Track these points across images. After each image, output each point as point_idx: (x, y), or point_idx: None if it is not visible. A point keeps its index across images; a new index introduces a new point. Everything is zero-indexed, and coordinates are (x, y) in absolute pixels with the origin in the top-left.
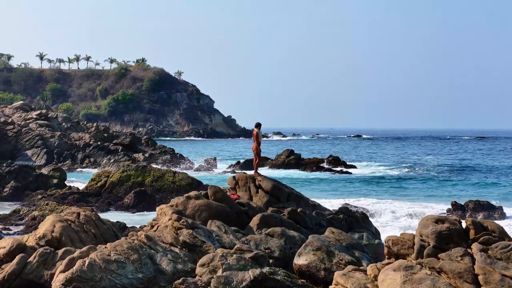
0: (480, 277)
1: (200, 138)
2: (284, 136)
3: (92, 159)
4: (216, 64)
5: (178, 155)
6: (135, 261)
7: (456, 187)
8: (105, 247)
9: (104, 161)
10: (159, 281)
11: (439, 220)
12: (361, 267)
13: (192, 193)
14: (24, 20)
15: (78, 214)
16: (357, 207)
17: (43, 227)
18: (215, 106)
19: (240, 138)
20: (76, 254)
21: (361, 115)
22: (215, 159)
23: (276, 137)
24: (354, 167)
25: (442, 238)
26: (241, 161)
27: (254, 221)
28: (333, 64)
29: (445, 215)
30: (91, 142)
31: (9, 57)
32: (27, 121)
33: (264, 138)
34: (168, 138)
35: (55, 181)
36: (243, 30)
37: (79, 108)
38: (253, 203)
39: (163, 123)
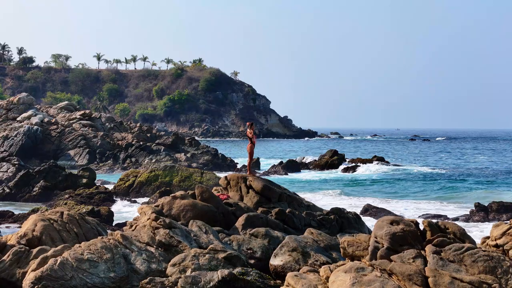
0: (430, 280)
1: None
2: (341, 136)
3: (133, 159)
4: (272, 64)
5: (220, 155)
6: (108, 260)
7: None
8: (79, 246)
9: (145, 161)
10: (132, 281)
11: (394, 221)
12: (318, 269)
13: (178, 193)
14: (82, 21)
15: (62, 213)
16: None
17: (25, 226)
18: (271, 106)
19: (297, 138)
20: (49, 253)
21: (430, 115)
22: (258, 159)
23: (333, 137)
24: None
25: (396, 239)
26: (284, 161)
27: (240, 221)
28: (394, 64)
29: (468, 215)
30: (133, 142)
31: (67, 58)
32: (71, 121)
33: (322, 138)
34: (220, 139)
35: (84, 180)
36: (299, 30)
37: (136, 108)
38: (242, 204)
39: (219, 124)
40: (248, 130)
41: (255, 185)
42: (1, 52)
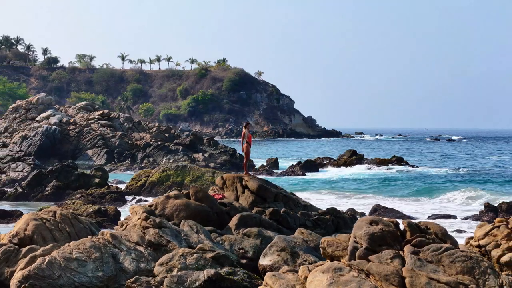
0: (406, 280)
1: (278, 139)
2: (365, 136)
3: (151, 159)
4: (296, 64)
5: (238, 155)
6: (96, 260)
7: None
8: (68, 245)
9: (163, 161)
10: (121, 280)
11: (373, 221)
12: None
13: (172, 192)
14: (107, 21)
15: (55, 212)
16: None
17: (18, 225)
18: (295, 106)
19: (321, 138)
20: (38, 252)
21: (460, 115)
22: (276, 159)
23: (357, 137)
24: (417, 167)
25: (375, 239)
26: (302, 161)
27: (233, 221)
28: (424, 62)
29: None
30: (151, 142)
31: (91, 58)
32: (89, 121)
33: (346, 138)
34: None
35: (96, 180)
36: (323, 30)
37: (160, 108)
38: (236, 203)
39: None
40: (243, 130)
41: (251, 185)
42: (26, 52)
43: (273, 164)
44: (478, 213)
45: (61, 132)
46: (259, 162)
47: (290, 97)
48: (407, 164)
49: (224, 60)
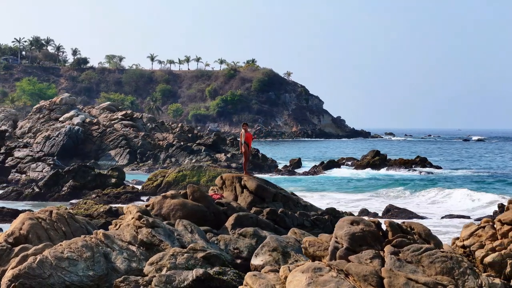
0: (385, 281)
1: (307, 139)
2: (394, 136)
3: (174, 159)
4: (326, 65)
5: (261, 155)
6: (87, 259)
7: None
8: (60, 245)
9: (186, 161)
10: (112, 279)
11: (354, 221)
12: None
13: (169, 192)
14: (136, 22)
15: (51, 212)
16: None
17: (14, 225)
18: (324, 107)
19: (350, 139)
20: (30, 251)
21: (494, 115)
22: (299, 160)
23: (386, 138)
24: (440, 168)
25: (355, 240)
26: (325, 161)
27: (229, 221)
28: (455, 60)
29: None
30: (174, 142)
31: (121, 59)
32: (112, 122)
33: (376, 138)
34: (272, 139)
35: (113, 180)
36: (353, 30)
37: (189, 109)
38: (234, 203)
39: (272, 124)
40: (242, 130)
41: (249, 185)
42: (56, 53)
43: (296, 164)
44: (492, 214)
45: (84, 133)
46: (284, 163)
47: (319, 98)
48: (430, 165)
49: (253, 61)
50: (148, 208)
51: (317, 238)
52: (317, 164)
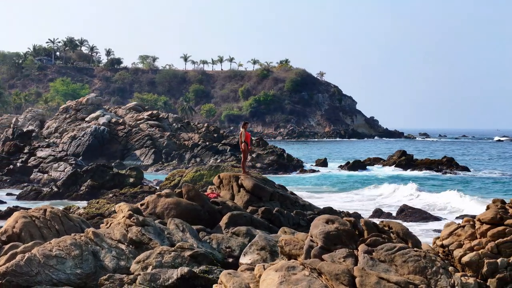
0: (357, 280)
1: (339, 139)
2: (427, 136)
3: (198, 159)
4: (359, 65)
5: (286, 155)
6: (75, 257)
7: None
8: (49, 243)
9: (211, 161)
10: (100, 277)
11: (329, 220)
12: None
13: (164, 191)
14: (169, 22)
15: (45, 210)
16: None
17: (8, 223)
18: (357, 107)
19: (383, 138)
20: (19, 249)
21: None
22: (325, 159)
23: (420, 138)
24: (467, 170)
25: (330, 238)
26: (351, 161)
27: (223, 220)
28: (493, 58)
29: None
30: (199, 142)
31: (154, 59)
32: (138, 122)
33: (410, 139)
34: (305, 139)
35: (131, 180)
36: (385, 30)
37: (221, 109)
38: (230, 202)
39: (304, 124)
40: (241, 129)
41: (246, 184)
42: (90, 53)
43: (322, 164)
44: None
45: (110, 133)
46: (308, 162)
47: (352, 98)
48: (456, 165)
49: (286, 61)
50: (142, 207)
51: (293, 236)
52: (342, 164)
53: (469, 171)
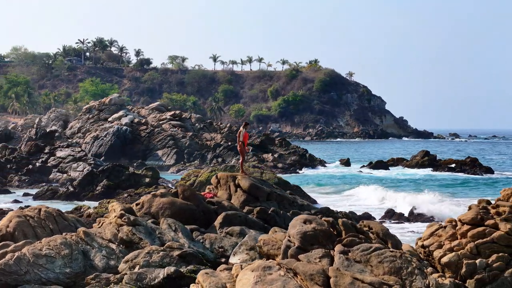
0: (331, 280)
1: (367, 140)
2: (457, 137)
3: (220, 159)
4: (389, 65)
5: (308, 155)
6: (65, 256)
7: None
8: (40, 242)
9: (232, 161)
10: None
11: (307, 220)
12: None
13: (159, 191)
14: (198, 22)
15: (40, 210)
16: None
17: (2, 222)
18: (387, 107)
19: (411, 139)
20: (10, 248)
21: None
22: (348, 160)
23: (449, 138)
24: (491, 171)
25: (307, 238)
26: (373, 161)
27: (218, 220)
28: None
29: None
30: (222, 143)
31: (183, 59)
32: (161, 122)
33: (439, 139)
34: (333, 140)
35: (147, 180)
36: (414, 30)
37: (250, 109)
38: (225, 202)
39: (333, 124)
40: (241, 128)
41: (243, 184)
42: (119, 54)
43: (345, 164)
44: None
45: (132, 133)
46: (330, 162)
47: (381, 98)
48: (480, 166)
49: (315, 61)
50: (138, 206)
51: (271, 236)
52: (365, 165)
53: (493, 172)
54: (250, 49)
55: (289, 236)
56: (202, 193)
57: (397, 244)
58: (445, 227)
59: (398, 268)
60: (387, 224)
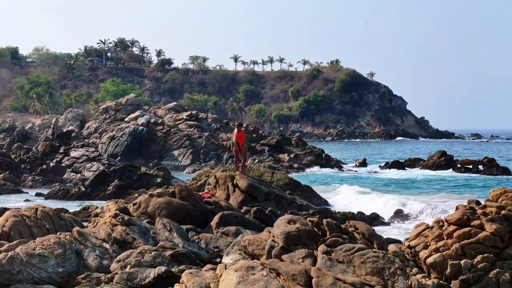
0: (313, 280)
1: (389, 140)
2: (479, 137)
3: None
4: (410, 65)
5: (324, 155)
6: (58, 256)
7: None
8: (33, 242)
9: (248, 162)
10: None
11: (291, 220)
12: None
13: (156, 191)
14: (219, 23)
15: (36, 209)
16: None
17: None
18: (408, 107)
19: (432, 139)
20: (4, 247)
21: None
22: (364, 160)
23: (470, 139)
24: (508, 172)
25: (290, 239)
26: (389, 162)
27: (214, 220)
28: None
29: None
30: None
31: (204, 59)
32: (177, 122)
33: (460, 139)
34: (354, 140)
35: (158, 180)
36: (436, 30)
37: (271, 109)
38: (223, 202)
39: (354, 124)
40: (235, 129)
41: (241, 184)
42: (141, 54)
43: (361, 164)
44: None
45: (149, 133)
46: (347, 163)
47: (402, 98)
48: (497, 166)
49: (337, 61)
50: (135, 206)
51: (257, 236)
52: (382, 165)
53: (510, 173)
54: (271, 49)
55: (273, 236)
56: (200, 193)
57: (382, 244)
58: (432, 227)
59: (380, 268)
60: (396, 225)
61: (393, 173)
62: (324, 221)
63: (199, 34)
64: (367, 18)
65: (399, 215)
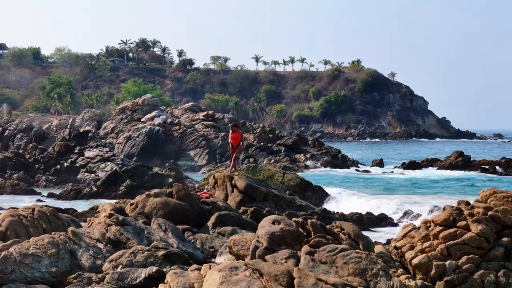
0: (295, 281)
1: (410, 140)
2: (501, 137)
3: (252, 160)
4: (431, 65)
5: (340, 156)
6: (51, 256)
7: None
8: (27, 241)
9: (264, 162)
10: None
11: (275, 221)
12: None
13: (153, 191)
14: (241, 23)
15: (33, 209)
16: None
17: None
18: (429, 107)
19: (453, 140)
20: None
21: None
22: (381, 160)
23: (492, 139)
24: None
25: (274, 239)
26: (406, 162)
27: (211, 220)
28: None
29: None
30: (254, 143)
31: (225, 60)
32: (194, 122)
33: (482, 140)
34: (374, 140)
35: (170, 180)
36: (457, 29)
37: (292, 109)
38: (220, 202)
39: (375, 125)
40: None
41: (239, 184)
42: (162, 54)
43: (378, 164)
44: None
45: (165, 133)
46: (364, 163)
47: (424, 98)
48: None
49: (358, 61)
50: (132, 206)
51: (242, 237)
52: (398, 165)
53: None
54: (292, 49)
55: (258, 237)
56: (198, 193)
57: (368, 245)
58: (419, 228)
59: (363, 269)
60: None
61: (409, 174)
62: (309, 221)
63: (221, 34)
64: (388, 19)
65: (408, 215)
